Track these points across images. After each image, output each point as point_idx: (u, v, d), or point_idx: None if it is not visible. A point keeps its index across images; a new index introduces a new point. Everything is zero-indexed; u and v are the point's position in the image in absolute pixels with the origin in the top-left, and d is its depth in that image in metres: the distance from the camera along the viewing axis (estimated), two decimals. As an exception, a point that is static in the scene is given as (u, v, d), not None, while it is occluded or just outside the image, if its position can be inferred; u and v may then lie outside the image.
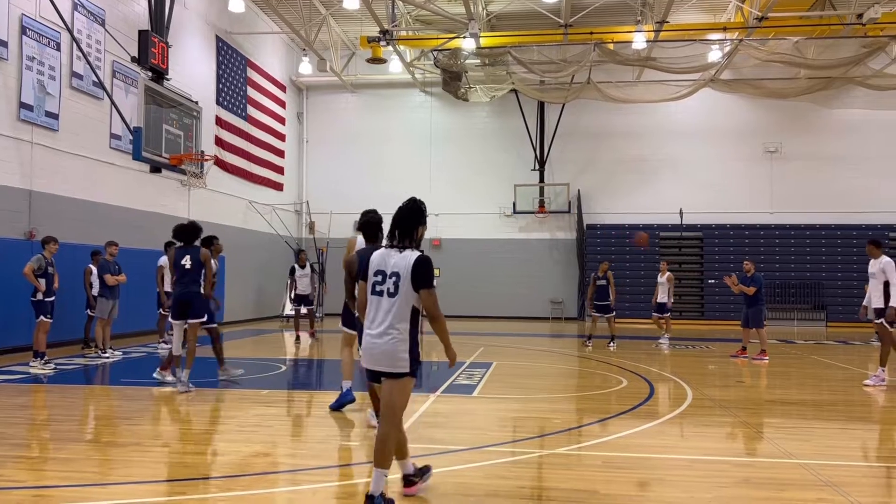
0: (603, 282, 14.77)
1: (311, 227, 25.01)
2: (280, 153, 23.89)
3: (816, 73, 20.99)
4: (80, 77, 14.10)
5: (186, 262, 8.80)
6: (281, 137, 23.97)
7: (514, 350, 14.48)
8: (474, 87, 23.36)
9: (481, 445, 6.04)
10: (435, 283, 4.43)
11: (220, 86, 19.70)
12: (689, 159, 23.64)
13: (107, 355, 11.80)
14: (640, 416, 7.44)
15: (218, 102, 19.54)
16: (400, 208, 4.53)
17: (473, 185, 24.49)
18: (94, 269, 12.38)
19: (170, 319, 9.13)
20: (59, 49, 13.50)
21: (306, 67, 23.50)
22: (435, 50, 20.81)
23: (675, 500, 4.74)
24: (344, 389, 7.50)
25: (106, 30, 14.53)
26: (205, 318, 9.02)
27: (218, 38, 19.61)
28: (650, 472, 5.39)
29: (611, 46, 20.12)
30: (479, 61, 21.48)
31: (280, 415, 7.81)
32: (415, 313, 4.36)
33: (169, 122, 13.75)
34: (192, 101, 15.01)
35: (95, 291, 12.30)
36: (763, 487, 4.98)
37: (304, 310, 15.74)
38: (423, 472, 4.82)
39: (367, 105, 25.42)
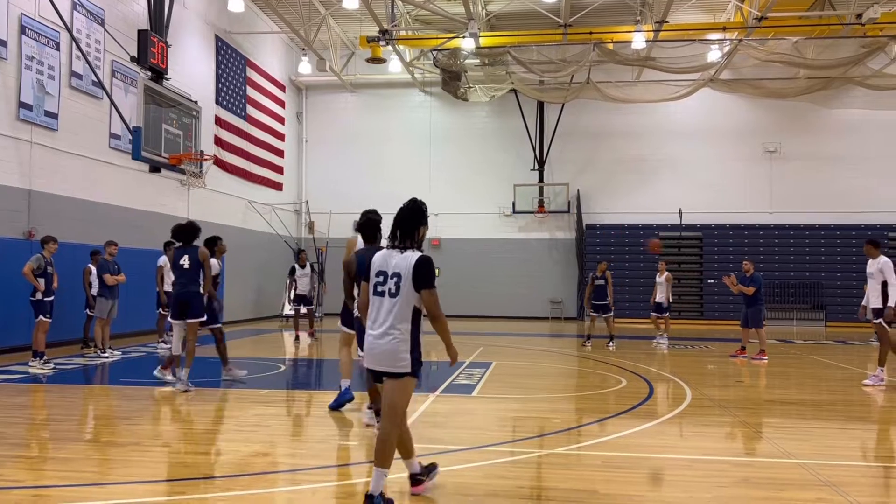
0: (601, 281, 14.77)
1: (311, 226, 25.00)
2: (279, 153, 23.88)
3: (816, 73, 21.00)
4: (79, 77, 14.09)
5: (185, 261, 8.81)
6: (280, 137, 23.97)
7: (514, 350, 14.48)
8: (474, 86, 23.36)
9: (481, 445, 6.05)
10: (435, 283, 4.43)
11: (220, 85, 19.69)
12: (689, 159, 23.64)
13: (106, 355, 11.80)
14: (640, 416, 7.45)
15: (217, 102, 19.54)
16: (401, 209, 4.54)
17: (473, 185, 24.48)
18: (94, 269, 12.39)
19: (169, 319, 9.13)
20: (58, 49, 13.49)
21: (306, 67, 23.52)
22: (434, 50, 20.79)
23: (675, 500, 4.74)
24: (342, 388, 7.52)
25: (105, 29, 14.52)
26: (204, 318, 9.01)
27: (217, 38, 19.61)
28: (649, 471, 5.40)
29: (610, 46, 20.11)
30: (478, 61, 21.47)
31: (279, 414, 7.81)
32: (416, 314, 4.36)
33: (168, 122, 13.74)
34: (191, 100, 15.01)
35: (95, 291, 12.31)
36: (762, 487, 4.99)
37: (303, 310, 15.75)
38: (430, 469, 4.81)
39: (366, 105, 25.40)
